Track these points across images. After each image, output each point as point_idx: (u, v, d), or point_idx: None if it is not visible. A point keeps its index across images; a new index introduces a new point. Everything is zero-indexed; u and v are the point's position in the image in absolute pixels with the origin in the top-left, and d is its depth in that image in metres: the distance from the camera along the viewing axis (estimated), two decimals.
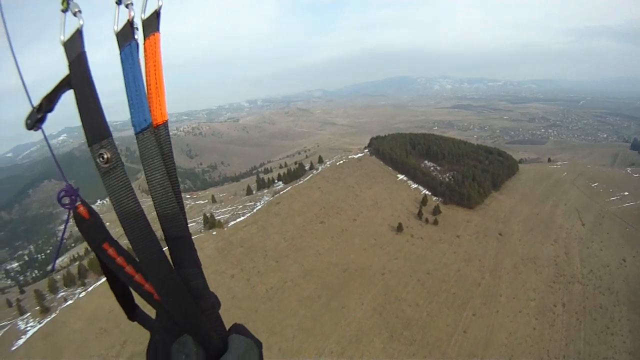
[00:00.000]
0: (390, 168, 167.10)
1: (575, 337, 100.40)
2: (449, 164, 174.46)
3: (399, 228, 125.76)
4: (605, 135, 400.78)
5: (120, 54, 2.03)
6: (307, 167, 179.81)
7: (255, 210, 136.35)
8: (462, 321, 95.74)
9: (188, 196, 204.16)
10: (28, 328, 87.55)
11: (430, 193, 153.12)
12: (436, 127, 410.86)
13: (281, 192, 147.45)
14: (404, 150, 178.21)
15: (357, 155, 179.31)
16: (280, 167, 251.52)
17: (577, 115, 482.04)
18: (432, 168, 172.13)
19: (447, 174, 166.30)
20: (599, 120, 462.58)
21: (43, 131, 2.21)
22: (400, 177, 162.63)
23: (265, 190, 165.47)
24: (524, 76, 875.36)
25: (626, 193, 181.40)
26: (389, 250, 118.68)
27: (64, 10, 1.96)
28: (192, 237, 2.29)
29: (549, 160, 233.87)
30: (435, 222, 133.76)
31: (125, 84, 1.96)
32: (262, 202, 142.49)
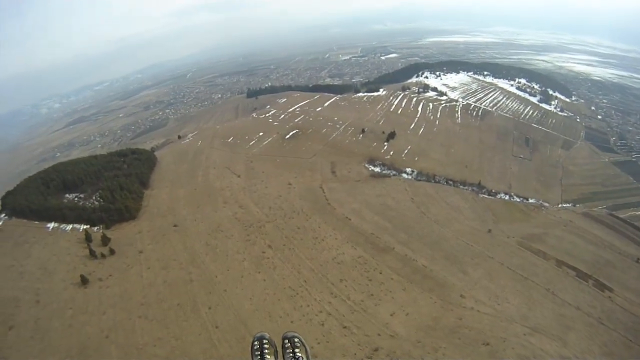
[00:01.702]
0: (36, 222, 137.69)
1: (296, 262, 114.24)
2: (91, 185, 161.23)
3: (84, 280, 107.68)
4: (219, 95, 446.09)
5: None
6: None
7: None
8: (207, 320, 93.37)
9: None
10: None
11: (89, 226, 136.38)
12: (58, 154, 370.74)
13: None
14: (41, 194, 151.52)
15: None
16: None
17: (187, 88, 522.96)
18: (76, 199, 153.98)
19: (94, 197, 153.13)
20: (209, 85, 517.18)
21: None
22: (49, 225, 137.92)
23: None
24: (127, 70, 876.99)
25: (261, 133, 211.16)
26: (87, 312, 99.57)
27: None
28: None
29: (179, 137, 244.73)
30: (112, 252, 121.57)
31: None
32: None
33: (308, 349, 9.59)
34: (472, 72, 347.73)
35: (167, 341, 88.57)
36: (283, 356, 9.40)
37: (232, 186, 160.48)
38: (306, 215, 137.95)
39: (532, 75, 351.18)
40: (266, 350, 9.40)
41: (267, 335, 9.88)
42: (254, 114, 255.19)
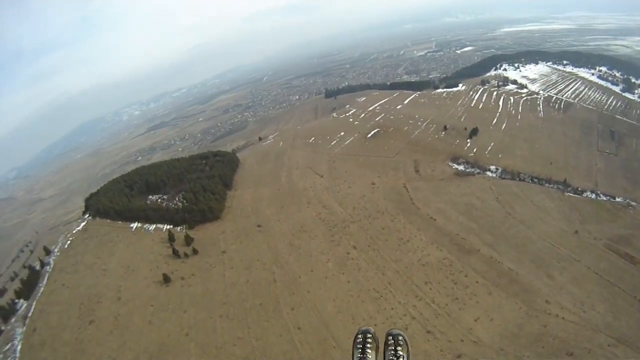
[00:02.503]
0: (120, 222, 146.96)
1: (380, 263, 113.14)
2: (174, 187, 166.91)
3: (166, 279, 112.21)
4: (297, 97, 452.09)
5: None
6: (37, 268, 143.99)
7: None
8: (289, 321, 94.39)
9: None
10: None
11: (172, 226, 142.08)
12: (140, 157, 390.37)
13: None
14: (125, 196, 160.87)
15: (80, 227, 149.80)
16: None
17: (264, 91, 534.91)
18: (159, 200, 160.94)
19: (177, 198, 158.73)
20: (286, 87, 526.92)
21: None
22: (133, 225, 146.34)
23: None
24: (204, 76, 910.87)
25: (342, 133, 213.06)
26: (168, 310, 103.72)
27: None
28: None
29: (260, 139, 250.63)
30: (195, 252, 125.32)
31: None
32: None
33: (410, 348, 9.38)
34: (550, 62, 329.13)
35: (248, 341, 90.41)
36: (384, 353, 9.25)
37: (316, 186, 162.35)
38: (391, 216, 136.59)
39: (613, 62, 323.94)
40: (369, 345, 9.24)
41: (372, 329, 9.62)
42: (334, 114, 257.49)
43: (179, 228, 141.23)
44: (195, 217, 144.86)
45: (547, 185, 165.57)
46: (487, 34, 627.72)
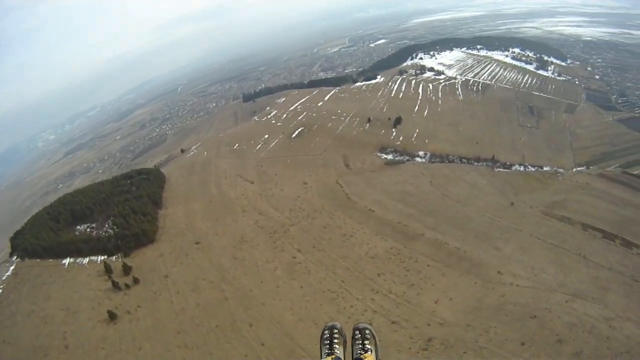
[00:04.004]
0: (51, 260, 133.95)
1: (329, 262, 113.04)
2: (101, 213, 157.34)
3: (112, 316, 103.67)
4: (214, 104, 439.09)
5: None
6: None
7: None
8: (251, 339, 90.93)
9: None
10: None
11: (106, 256, 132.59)
12: (60, 185, 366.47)
13: None
14: (51, 230, 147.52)
15: (9, 272, 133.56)
16: None
17: (181, 102, 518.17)
18: (88, 229, 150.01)
19: (107, 225, 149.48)
20: (202, 95, 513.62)
21: None
22: (65, 261, 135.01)
23: None
24: (118, 91, 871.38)
25: (266, 136, 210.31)
26: (122, 350, 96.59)
27: None
28: None
29: (183, 151, 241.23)
30: (136, 281, 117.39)
31: None
32: None
33: (378, 341, 9.51)
34: (465, 48, 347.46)
35: None
36: (352, 347, 9.42)
37: (248, 193, 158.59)
38: (329, 213, 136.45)
39: (525, 43, 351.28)
40: (336, 340, 9.35)
41: (338, 325, 9.73)
42: (255, 118, 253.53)
43: (114, 257, 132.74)
44: (129, 243, 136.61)
45: (476, 163, 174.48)
46: (400, 26, 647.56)
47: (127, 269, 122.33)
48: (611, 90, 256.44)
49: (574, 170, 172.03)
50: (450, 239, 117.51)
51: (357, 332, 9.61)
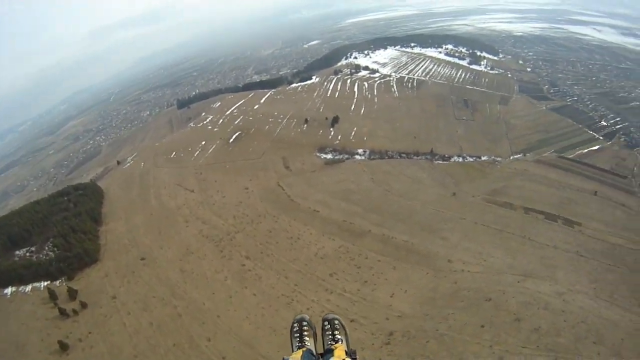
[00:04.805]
0: None
1: (279, 267, 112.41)
2: (40, 235, 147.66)
3: (63, 346, 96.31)
4: (148, 112, 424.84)
5: None
6: None
7: None
8: (211, 354, 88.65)
9: None
10: None
11: (50, 281, 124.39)
12: None
13: None
14: None
15: None
16: None
17: (114, 111, 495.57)
18: (28, 254, 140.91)
19: (47, 247, 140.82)
20: (135, 104, 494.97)
21: None
22: (7, 291, 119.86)
23: None
24: (50, 103, 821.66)
25: (203, 142, 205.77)
26: None
27: None
28: None
29: (119, 162, 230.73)
30: (84, 305, 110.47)
31: None
32: None
33: (348, 331, 9.65)
34: (399, 46, 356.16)
35: None
36: (322, 338, 9.52)
37: (189, 203, 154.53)
38: (273, 217, 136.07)
39: (458, 40, 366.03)
40: (305, 332, 9.43)
41: (307, 317, 9.85)
42: (191, 124, 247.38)
43: (57, 282, 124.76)
44: (72, 265, 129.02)
45: (416, 158, 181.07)
46: (333, 27, 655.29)
47: (72, 293, 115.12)
48: (543, 81, 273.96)
49: (512, 158, 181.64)
50: (397, 233, 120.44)
51: (326, 323, 9.72)
